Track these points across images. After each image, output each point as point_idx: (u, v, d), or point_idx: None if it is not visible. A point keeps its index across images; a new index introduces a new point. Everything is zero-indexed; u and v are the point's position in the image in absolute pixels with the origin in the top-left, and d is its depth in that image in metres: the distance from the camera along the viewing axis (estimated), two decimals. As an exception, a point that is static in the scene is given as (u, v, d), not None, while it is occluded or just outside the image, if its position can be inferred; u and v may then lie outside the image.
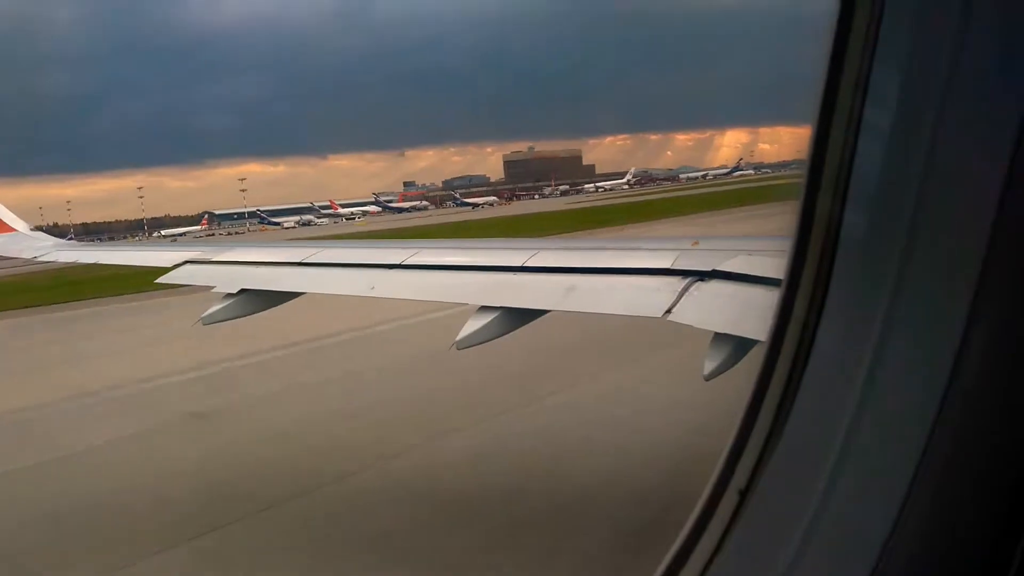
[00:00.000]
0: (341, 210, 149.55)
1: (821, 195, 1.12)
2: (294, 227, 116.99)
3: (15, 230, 10.27)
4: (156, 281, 7.94)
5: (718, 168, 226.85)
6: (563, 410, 12.00)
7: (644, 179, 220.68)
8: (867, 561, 1.03)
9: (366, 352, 18.03)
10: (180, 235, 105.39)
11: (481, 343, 6.18)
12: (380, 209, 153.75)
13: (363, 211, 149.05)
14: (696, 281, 5.52)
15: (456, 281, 6.86)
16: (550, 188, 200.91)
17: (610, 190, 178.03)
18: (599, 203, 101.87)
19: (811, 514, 1.09)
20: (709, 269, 5.54)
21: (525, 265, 6.65)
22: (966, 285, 0.97)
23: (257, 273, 7.45)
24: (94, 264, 9.08)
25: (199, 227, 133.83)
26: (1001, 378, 1.01)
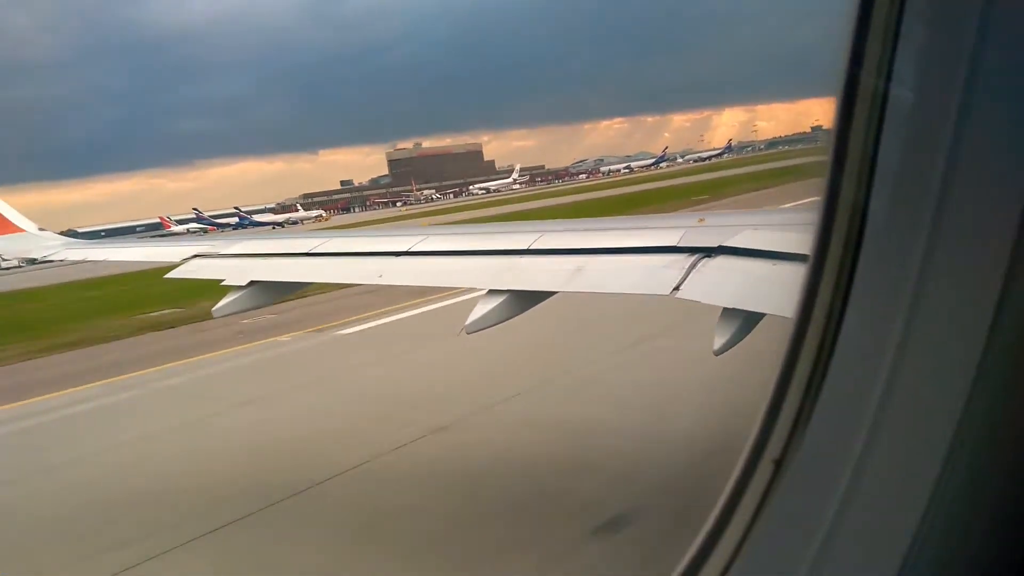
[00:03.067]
0: (175, 227, 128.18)
1: (845, 179, 1.15)
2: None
3: (23, 230, 10.32)
4: (166, 276, 7.99)
5: (646, 158, 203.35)
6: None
7: (543, 176, 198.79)
8: (905, 534, 1.07)
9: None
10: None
11: (490, 326, 6.24)
12: (213, 227, 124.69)
13: (202, 229, 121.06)
14: (703, 258, 5.56)
15: (463, 266, 6.89)
16: (414, 194, 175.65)
17: (495, 191, 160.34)
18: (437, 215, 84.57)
19: (846, 486, 1.13)
20: (716, 245, 5.57)
21: (531, 248, 6.69)
22: (995, 270, 1.00)
23: (265, 265, 7.48)
24: (103, 262, 9.15)
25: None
26: None
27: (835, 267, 1.17)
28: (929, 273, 1.07)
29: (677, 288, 5.37)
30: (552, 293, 6.36)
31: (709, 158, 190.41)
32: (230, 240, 8.38)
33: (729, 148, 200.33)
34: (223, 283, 7.22)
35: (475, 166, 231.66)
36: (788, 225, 5.83)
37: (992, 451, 1.07)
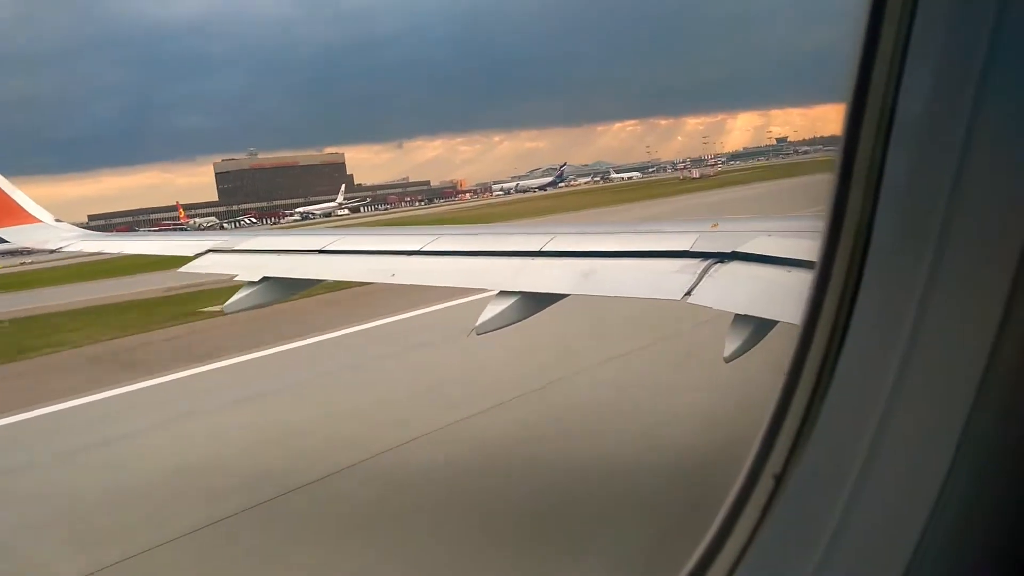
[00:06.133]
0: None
1: (852, 192, 1.13)
2: None
3: (40, 221, 10.41)
4: (179, 270, 8.03)
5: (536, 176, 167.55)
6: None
7: (412, 196, 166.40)
8: (904, 550, 1.05)
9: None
10: None
11: (500, 328, 6.23)
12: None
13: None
14: (716, 263, 5.52)
15: (475, 267, 6.89)
16: (184, 221, 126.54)
17: (324, 216, 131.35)
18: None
19: (845, 502, 1.11)
20: (729, 251, 5.53)
21: (543, 250, 6.67)
22: (1000, 284, 0.98)
23: (278, 261, 7.51)
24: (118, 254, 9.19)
25: None
26: None
27: (840, 280, 1.15)
28: (933, 287, 1.05)
29: (689, 293, 5.33)
30: (563, 296, 6.34)
31: (540, 188, 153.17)
32: (244, 235, 8.43)
33: (561, 177, 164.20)
34: (235, 278, 7.26)
35: (327, 182, 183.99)
36: (804, 231, 5.75)
37: (993, 468, 1.05)
